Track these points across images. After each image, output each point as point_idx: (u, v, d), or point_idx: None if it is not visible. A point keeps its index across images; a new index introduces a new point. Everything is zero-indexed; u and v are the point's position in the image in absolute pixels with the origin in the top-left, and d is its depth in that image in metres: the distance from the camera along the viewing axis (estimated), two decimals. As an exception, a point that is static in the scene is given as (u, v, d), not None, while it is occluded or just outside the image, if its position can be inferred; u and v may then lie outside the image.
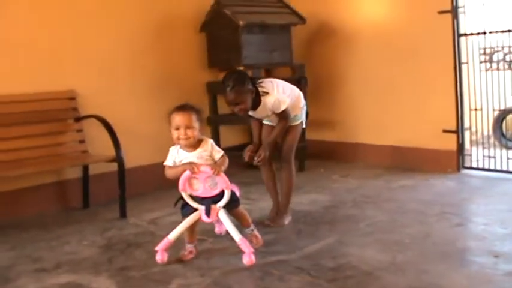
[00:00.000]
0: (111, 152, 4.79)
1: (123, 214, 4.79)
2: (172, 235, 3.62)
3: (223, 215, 3.62)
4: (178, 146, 3.57)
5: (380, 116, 6.30)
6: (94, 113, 5.06)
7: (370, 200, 4.93)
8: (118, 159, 4.76)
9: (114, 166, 4.79)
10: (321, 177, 5.87)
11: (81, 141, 5.17)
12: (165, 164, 3.62)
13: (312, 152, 6.41)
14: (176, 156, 3.59)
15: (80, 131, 5.17)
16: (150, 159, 5.56)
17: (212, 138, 4.33)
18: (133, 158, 5.26)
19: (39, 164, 4.77)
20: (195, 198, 3.61)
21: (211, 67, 6.13)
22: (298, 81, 6.11)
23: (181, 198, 3.64)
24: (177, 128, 3.48)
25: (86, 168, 5.16)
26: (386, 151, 6.27)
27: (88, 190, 5.19)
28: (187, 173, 3.49)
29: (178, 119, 3.48)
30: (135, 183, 5.24)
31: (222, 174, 3.50)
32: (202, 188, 3.56)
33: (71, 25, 5.23)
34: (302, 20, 6.17)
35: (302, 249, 3.71)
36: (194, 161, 3.53)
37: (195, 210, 3.62)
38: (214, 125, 6.13)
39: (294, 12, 6.16)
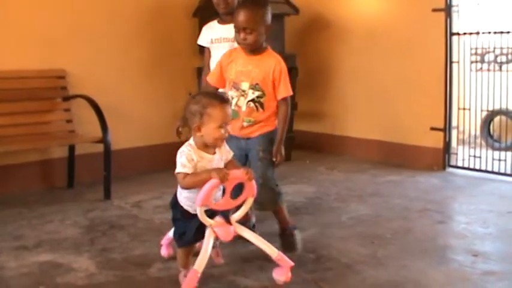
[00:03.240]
0: (98, 132, 4.78)
1: (107, 196, 4.78)
2: (199, 268, 2.83)
3: (245, 230, 3.08)
4: (194, 148, 2.86)
5: (369, 110, 6.31)
6: (83, 93, 5.04)
7: (355, 193, 4.95)
8: (105, 140, 4.75)
9: (100, 147, 4.78)
10: (307, 169, 5.89)
11: (69, 121, 5.15)
12: (181, 171, 2.80)
13: (300, 143, 6.42)
14: (198, 160, 2.83)
15: (67, 110, 5.15)
16: (137, 141, 5.57)
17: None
18: (120, 140, 5.25)
19: (24, 142, 4.76)
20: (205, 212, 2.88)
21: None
22: (289, 71, 6.11)
23: (183, 216, 2.96)
24: (221, 126, 2.82)
25: (72, 148, 5.14)
26: (374, 145, 6.28)
27: (73, 170, 5.17)
28: (214, 182, 2.73)
29: (224, 114, 2.84)
30: (121, 165, 5.23)
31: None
32: (225, 199, 2.89)
33: (65, 4, 5.20)
34: (296, 10, 6.15)
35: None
36: (219, 165, 2.91)
37: (200, 234, 2.92)
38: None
39: (288, 3, 6.15)
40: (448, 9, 5.64)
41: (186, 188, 2.84)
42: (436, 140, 5.77)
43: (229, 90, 3.38)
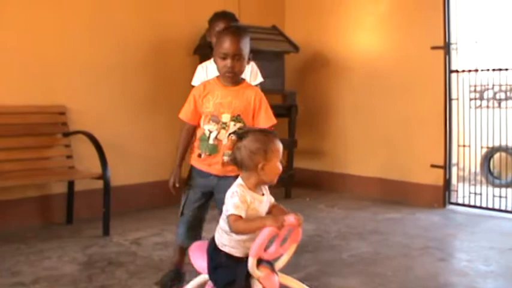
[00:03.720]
0: (98, 169, 4.77)
1: (106, 232, 4.75)
2: None
3: (289, 279, 2.78)
4: (246, 188, 2.61)
5: (369, 148, 6.32)
6: (83, 129, 5.05)
7: (355, 231, 4.92)
8: (104, 176, 4.74)
9: (100, 183, 4.76)
10: (307, 206, 5.86)
11: (69, 157, 5.14)
12: (234, 212, 2.51)
13: (300, 180, 6.41)
14: (251, 201, 2.58)
15: (67, 146, 5.15)
16: (136, 178, 5.56)
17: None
18: (120, 176, 5.24)
19: (24, 177, 4.74)
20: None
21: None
22: (289, 109, 6.15)
23: (228, 262, 2.62)
24: (280, 161, 2.69)
25: (71, 184, 5.12)
26: (374, 183, 6.27)
27: (72, 206, 5.15)
28: (270, 230, 2.47)
29: (280, 148, 2.70)
30: (121, 202, 5.21)
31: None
32: (275, 247, 2.65)
33: (65, 40, 5.23)
34: (296, 48, 6.20)
35: (304, 269, 3.75)
36: (267, 207, 2.70)
37: (247, 282, 2.59)
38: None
39: (288, 40, 6.20)
40: (447, 47, 5.69)
41: (235, 232, 2.53)
42: (436, 177, 5.76)
43: (205, 124, 3.22)
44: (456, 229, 5.03)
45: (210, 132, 3.20)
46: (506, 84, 6.09)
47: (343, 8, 6.55)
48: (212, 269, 2.63)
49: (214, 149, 3.22)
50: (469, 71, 5.76)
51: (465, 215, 5.50)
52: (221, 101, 3.21)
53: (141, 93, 5.73)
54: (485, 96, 6.83)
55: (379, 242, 4.57)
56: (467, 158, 5.83)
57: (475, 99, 6.53)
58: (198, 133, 3.28)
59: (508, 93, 6.81)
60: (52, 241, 4.57)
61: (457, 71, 5.78)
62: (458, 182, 5.95)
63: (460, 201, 5.81)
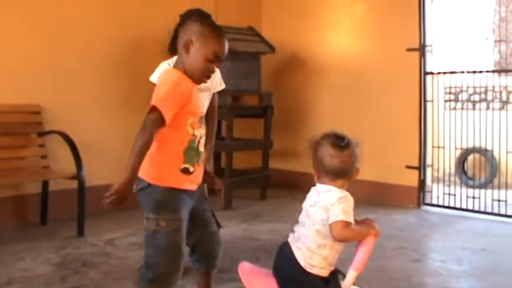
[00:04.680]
0: (73, 168, 4.74)
1: (80, 233, 4.72)
2: None
3: None
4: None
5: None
6: (59, 129, 5.02)
7: (330, 231, 4.93)
8: (79, 176, 4.72)
9: (74, 183, 4.74)
10: (283, 206, 5.88)
11: (43, 157, 5.11)
12: (343, 219, 2.37)
13: (275, 181, 6.42)
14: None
15: (42, 146, 5.12)
16: (112, 178, 5.45)
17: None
18: (95, 176, 5.20)
19: (-2, 177, 4.71)
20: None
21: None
22: (264, 109, 6.16)
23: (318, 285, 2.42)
24: None
25: (46, 184, 5.09)
26: (350, 184, 6.27)
27: (47, 206, 5.11)
28: (373, 240, 2.47)
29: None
30: (96, 202, 5.12)
31: None
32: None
33: (41, 39, 5.20)
34: (272, 49, 6.21)
35: (259, 277, 3.69)
36: None
37: None
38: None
39: (264, 41, 6.21)
40: (422, 49, 5.74)
41: (341, 239, 2.39)
42: (411, 178, 5.81)
43: (196, 128, 2.63)
44: (430, 229, 5.07)
45: (201, 137, 2.67)
46: (480, 87, 6.15)
47: (320, 10, 6.58)
48: None
49: (201, 158, 2.70)
50: (444, 73, 5.82)
51: (439, 216, 5.55)
52: (201, 100, 2.84)
53: (116, 93, 5.71)
54: (460, 98, 6.90)
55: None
56: (441, 159, 5.89)
57: (450, 101, 6.59)
58: (180, 140, 2.59)
59: (482, 95, 6.88)
60: (26, 242, 4.53)
61: (432, 73, 5.84)
62: (432, 183, 6.01)
63: (434, 202, 5.86)
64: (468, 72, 5.72)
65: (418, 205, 5.84)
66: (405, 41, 5.79)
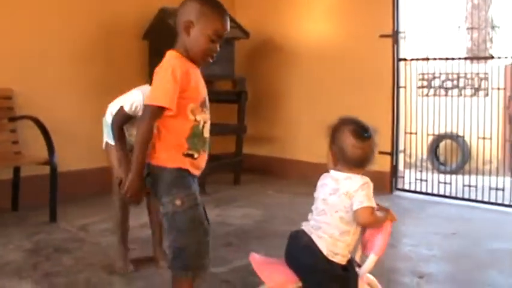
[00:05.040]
0: (45, 154, 4.71)
1: (53, 219, 4.69)
2: None
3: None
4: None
5: (318, 135, 6.33)
6: (31, 114, 4.96)
7: (303, 216, 4.93)
8: (51, 162, 4.68)
9: (47, 169, 4.70)
10: (256, 192, 5.89)
11: (15, 142, 5.05)
12: (370, 205, 2.44)
13: (249, 166, 6.44)
14: None
15: (13, 131, 5.06)
16: (84, 163, 5.49)
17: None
18: (68, 162, 5.17)
19: (-32, 163, 4.66)
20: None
21: (152, 75, 6.09)
22: (238, 94, 6.16)
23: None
24: None
25: (17, 170, 5.04)
26: (323, 169, 6.30)
27: (18, 192, 5.06)
28: (390, 225, 2.53)
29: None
30: (68, 187, 5.14)
31: None
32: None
33: (13, 23, 5.13)
34: (246, 34, 6.19)
35: (231, 263, 3.72)
36: None
37: None
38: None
39: (238, 26, 6.19)
40: (395, 36, 5.77)
41: (368, 224, 2.47)
42: (383, 164, 5.85)
43: (198, 113, 2.52)
44: (402, 215, 5.11)
45: (205, 123, 2.56)
46: (453, 73, 6.21)
47: (294, -5, 6.58)
48: (320, 283, 2.43)
49: (207, 145, 2.61)
50: (417, 59, 5.86)
51: (411, 201, 5.61)
52: (202, 84, 2.62)
53: (89, 78, 5.66)
54: (432, 85, 6.96)
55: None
56: (414, 145, 5.94)
57: (423, 87, 6.64)
58: (181, 127, 2.49)
59: (455, 82, 6.95)
60: (-3, 228, 4.50)
61: (405, 60, 5.87)
62: (405, 168, 6.06)
63: (406, 187, 5.92)
64: (441, 59, 5.77)
65: (391, 190, 5.89)
66: (379, 27, 5.81)
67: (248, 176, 6.38)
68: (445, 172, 6.31)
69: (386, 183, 5.89)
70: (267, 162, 6.78)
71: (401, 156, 5.95)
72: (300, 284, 2.45)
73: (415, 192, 5.83)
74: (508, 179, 5.74)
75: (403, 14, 5.80)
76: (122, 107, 3.41)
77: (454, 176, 5.78)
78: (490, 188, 5.48)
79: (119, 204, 3.58)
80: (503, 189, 5.41)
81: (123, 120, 3.41)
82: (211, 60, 2.62)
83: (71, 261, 3.73)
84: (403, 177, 5.96)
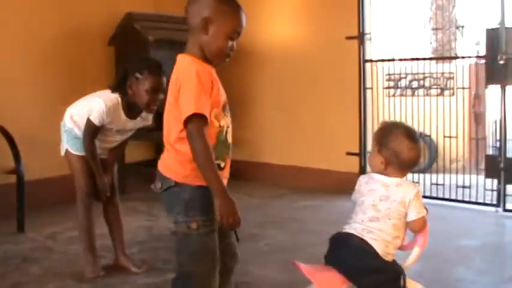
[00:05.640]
0: (11, 162, 4.65)
1: (20, 228, 4.64)
2: None
3: None
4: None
5: (287, 137, 6.39)
6: (-5, 122, 4.90)
7: (273, 219, 4.98)
8: (17, 171, 4.63)
9: (13, 178, 4.65)
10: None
11: (-21, 151, 4.98)
12: (425, 213, 2.57)
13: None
14: None
15: (-22, 140, 4.99)
16: (52, 171, 5.43)
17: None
18: (34, 170, 5.11)
19: None
20: None
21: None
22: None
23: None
24: None
25: (-17, 180, 4.97)
26: (292, 171, 6.35)
27: (-16, 202, 4.99)
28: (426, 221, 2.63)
29: None
30: (36, 196, 5.08)
31: None
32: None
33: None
34: (213, 38, 6.18)
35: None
36: None
37: None
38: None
39: (206, 30, 6.18)
40: (361, 37, 5.81)
41: (421, 230, 2.59)
42: (352, 165, 5.89)
43: (222, 118, 2.40)
44: (371, 215, 5.15)
45: (228, 127, 2.45)
46: (418, 73, 6.27)
47: (260, -1, 6.59)
48: (381, 281, 2.52)
49: (231, 151, 2.50)
50: (383, 60, 5.92)
51: (380, 201, 5.64)
52: (221, 85, 2.47)
53: (55, 85, 5.60)
54: (399, 85, 7.02)
55: (296, 230, 4.64)
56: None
57: (389, 88, 6.69)
58: (207, 136, 2.26)
59: (421, 82, 7.02)
60: (-37, 239, 4.44)
61: (371, 61, 5.92)
62: (373, 168, 6.10)
63: (375, 187, 5.95)
64: (406, 59, 5.84)
65: (360, 191, 5.92)
66: (344, 29, 5.85)
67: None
68: (413, 171, 6.35)
69: (355, 183, 5.90)
70: (236, 165, 6.70)
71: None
72: (351, 284, 2.53)
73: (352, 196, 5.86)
74: (474, 176, 5.80)
75: (369, 16, 5.85)
76: (90, 121, 3.42)
77: (422, 175, 5.83)
78: (457, 186, 5.55)
79: (84, 212, 3.56)
80: (469, 187, 5.48)
81: (94, 133, 3.45)
82: (227, 60, 2.50)
83: (40, 271, 3.70)
84: (372, 177, 6.00)
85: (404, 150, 2.53)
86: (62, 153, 3.65)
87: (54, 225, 4.78)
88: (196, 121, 2.20)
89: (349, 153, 5.91)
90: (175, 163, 2.33)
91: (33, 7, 5.45)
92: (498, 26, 5.21)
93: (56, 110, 5.51)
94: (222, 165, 2.37)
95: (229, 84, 7.04)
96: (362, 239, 2.50)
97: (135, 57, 4.00)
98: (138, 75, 3.42)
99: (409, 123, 2.72)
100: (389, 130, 2.60)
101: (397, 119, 5.74)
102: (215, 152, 2.28)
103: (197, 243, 2.31)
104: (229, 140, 2.44)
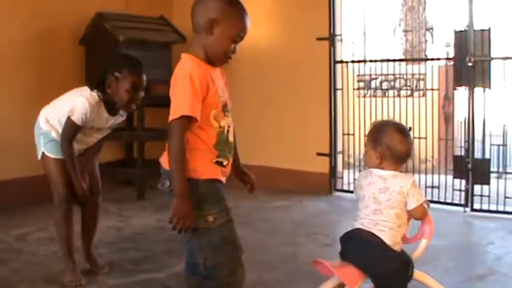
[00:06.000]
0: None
1: (-12, 229, 4.60)
2: None
3: None
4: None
5: (258, 137, 6.39)
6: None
7: (242, 219, 4.97)
8: (-14, 171, 4.59)
9: (-19, 179, 4.61)
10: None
11: None
12: (424, 200, 2.72)
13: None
14: None
15: None
16: (20, 172, 5.38)
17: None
18: (4, 171, 5.07)
19: None
20: None
21: (88, 81, 6.02)
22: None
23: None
24: None
25: (-50, 180, 4.92)
26: (262, 172, 6.31)
27: (-48, 203, 4.95)
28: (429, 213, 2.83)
29: None
30: (3, 197, 5.04)
31: None
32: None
33: None
34: (183, 38, 6.18)
35: (171, 268, 3.70)
36: None
37: None
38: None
39: (175, 31, 6.18)
40: (331, 38, 5.85)
41: (424, 217, 2.78)
42: (322, 165, 5.93)
43: (221, 118, 2.48)
44: (341, 215, 5.19)
45: (229, 127, 2.52)
46: (388, 74, 6.32)
47: (231, -1, 6.59)
48: (392, 271, 2.63)
49: (233, 150, 2.57)
50: (353, 61, 5.97)
51: (350, 202, 5.65)
52: (222, 87, 2.53)
53: (24, 85, 5.55)
54: (370, 86, 7.07)
55: (266, 230, 4.66)
56: (351, 146, 6.04)
57: (360, 89, 6.74)
58: (207, 136, 2.39)
59: (392, 83, 7.07)
60: None
61: (342, 62, 5.97)
62: (344, 169, 6.14)
63: (346, 188, 6.00)
64: (377, 61, 5.89)
65: (330, 191, 5.97)
66: (315, 30, 5.88)
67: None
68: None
69: (326, 184, 5.96)
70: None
71: (339, 157, 6.04)
72: (366, 278, 2.65)
73: (353, 192, 5.90)
74: (443, 177, 5.87)
75: (339, 17, 5.90)
76: (72, 120, 3.32)
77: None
78: (427, 186, 5.60)
79: (62, 218, 3.47)
80: (438, 187, 5.55)
81: (75, 134, 3.36)
82: (228, 62, 2.52)
83: (8, 273, 3.66)
84: (342, 178, 6.05)
85: (396, 143, 2.68)
86: (39, 157, 3.56)
87: (23, 226, 4.73)
88: (180, 120, 2.25)
89: (319, 154, 5.95)
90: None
91: (2, 8, 5.40)
92: (466, 28, 5.28)
93: (24, 110, 5.50)
94: (225, 163, 2.44)
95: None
96: (369, 232, 2.63)
97: (115, 56, 3.92)
98: (117, 74, 3.36)
99: (396, 121, 2.83)
100: (381, 127, 2.75)
101: (368, 120, 5.80)
102: (218, 150, 2.38)
103: (218, 235, 2.36)
104: (231, 139, 2.51)
